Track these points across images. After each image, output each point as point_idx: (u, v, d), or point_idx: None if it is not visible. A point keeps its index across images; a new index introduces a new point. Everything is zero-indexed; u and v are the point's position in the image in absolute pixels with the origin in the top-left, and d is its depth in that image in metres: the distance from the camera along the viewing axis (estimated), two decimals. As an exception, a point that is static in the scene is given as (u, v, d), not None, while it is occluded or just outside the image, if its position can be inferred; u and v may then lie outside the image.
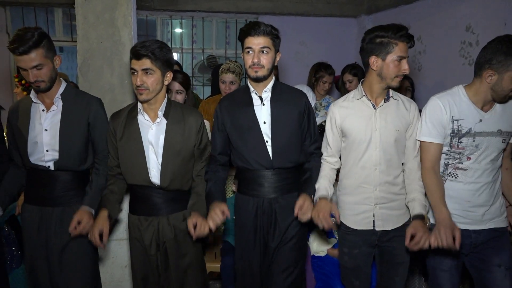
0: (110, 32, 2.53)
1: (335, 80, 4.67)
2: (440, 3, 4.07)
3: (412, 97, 3.16)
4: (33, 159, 2.12)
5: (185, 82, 2.71)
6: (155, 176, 2.07)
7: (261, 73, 2.05)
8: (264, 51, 2.03)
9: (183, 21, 5.73)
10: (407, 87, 3.12)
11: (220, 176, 2.18)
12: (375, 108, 2.07)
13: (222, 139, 2.19)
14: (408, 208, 2.12)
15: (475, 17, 3.63)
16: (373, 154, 2.07)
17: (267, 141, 2.10)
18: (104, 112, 2.26)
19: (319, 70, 3.77)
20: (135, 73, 1.98)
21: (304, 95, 2.20)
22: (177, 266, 2.13)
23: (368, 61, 2.02)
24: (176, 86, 2.65)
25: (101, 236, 2.01)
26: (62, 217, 2.13)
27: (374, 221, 2.10)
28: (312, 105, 3.04)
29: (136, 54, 1.95)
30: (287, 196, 2.13)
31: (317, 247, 2.69)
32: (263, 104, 2.12)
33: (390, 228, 2.11)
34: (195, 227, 1.96)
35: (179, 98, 2.67)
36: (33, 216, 2.16)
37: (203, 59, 5.73)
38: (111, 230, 2.19)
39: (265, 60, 2.03)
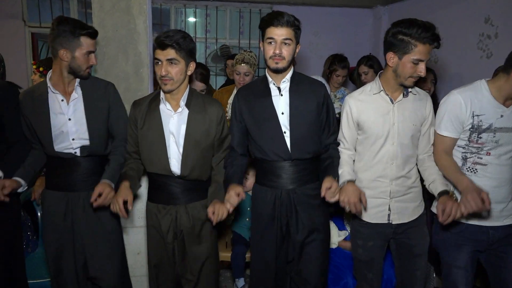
0: (125, 20, 2.53)
1: (350, 72, 4.63)
2: (458, -6, 3.99)
3: (435, 90, 3.14)
4: (59, 147, 2.13)
5: (206, 76, 2.71)
6: (175, 165, 2.08)
7: (282, 64, 2.03)
8: (286, 43, 2.00)
9: (197, 10, 5.71)
10: (432, 80, 3.10)
11: (238, 163, 2.16)
12: (392, 103, 2.05)
13: (240, 130, 2.18)
14: (423, 200, 2.12)
15: (495, 8, 3.55)
16: (390, 149, 2.06)
17: (285, 132, 2.08)
18: (119, 96, 2.29)
19: (333, 63, 3.74)
20: (159, 63, 1.99)
21: (323, 86, 2.18)
22: (194, 256, 2.15)
23: (386, 55, 2.00)
24: (199, 85, 2.66)
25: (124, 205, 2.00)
26: (88, 202, 2.12)
27: (389, 215, 2.10)
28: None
29: (161, 44, 1.95)
30: (305, 187, 2.12)
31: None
32: (281, 95, 2.10)
33: (406, 221, 2.11)
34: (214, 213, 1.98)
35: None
36: (58, 201, 2.17)
37: (216, 48, 5.72)
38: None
39: (286, 51, 2.01)
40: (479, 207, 1.81)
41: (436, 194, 2.01)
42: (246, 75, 3.10)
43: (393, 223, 2.10)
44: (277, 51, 1.99)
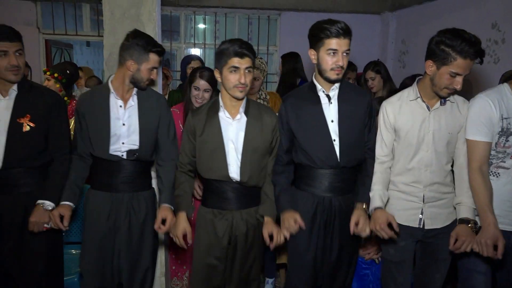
0: (135, 27, 2.59)
1: (358, 77, 4.66)
2: (465, 0, 4.01)
3: None
4: (111, 150, 2.19)
5: (213, 79, 2.75)
6: (234, 171, 2.10)
7: (341, 76, 2.01)
8: (347, 52, 1.98)
9: (206, 17, 5.80)
10: None
11: (287, 180, 2.18)
12: (429, 110, 2.02)
13: (288, 137, 2.16)
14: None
15: (501, 14, 3.56)
16: (425, 156, 2.03)
17: (334, 140, 2.07)
18: (169, 108, 2.36)
19: None
20: (235, 71, 2.00)
21: (368, 94, 2.19)
22: (243, 260, 2.17)
23: (426, 62, 1.95)
24: (205, 85, 2.70)
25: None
26: (131, 203, 2.22)
27: (421, 219, 2.07)
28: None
29: (240, 53, 1.98)
30: (347, 196, 2.12)
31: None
32: (331, 103, 2.08)
33: (439, 227, 2.07)
34: (270, 236, 2.03)
35: (206, 96, 2.70)
36: (103, 201, 2.21)
37: (225, 54, 5.80)
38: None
39: (346, 62, 1.99)
40: (490, 255, 1.81)
41: (457, 217, 2.01)
42: (256, 80, 3.14)
43: (425, 228, 2.07)
44: (340, 63, 1.96)
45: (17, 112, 2.15)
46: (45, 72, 3.56)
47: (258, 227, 2.16)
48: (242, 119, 2.11)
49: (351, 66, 3.77)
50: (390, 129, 2.11)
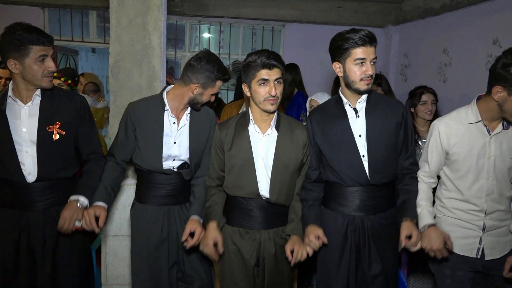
0: (141, 36, 2.64)
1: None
2: (467, 15, 4.05)
3: (436, 110, 3.14)
4: (164, 165, 2.17)
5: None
6: (264, 188, 2.02)
7: (370, 85, 1.94)
8: (374, 62, 1.90)
9: (211, 26, 5.87)
10: (432, 101, 3.03)
11: (315, 197, 2.09)
12: (489, 134, 1.91)
13: (316, 154, 2.08)
14: None
15: (503, 30, 3.60)
16: (485, 184, 1.91)
17: (363, 156, 1.97)
18: None
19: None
20: (264, 83, 1.92)
21: (401, 104, 2.08)
22: (273, 282, 2.07)
23: (492, 88, 1.82)
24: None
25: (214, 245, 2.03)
26: (180, 214, 2.20)
27: (479, 249, 1.95)
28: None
29: (268, 64, 1.90)
30: (380, 215, 2.01)
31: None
32: (358, 116, 1.99)
33: (498, 256, 1.95)
34: (292, 251, 1.94)
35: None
36: (155, 216, 2.18)
37: (228, 64, 5.85)
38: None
39: (374, 71, 1.92)
40: None
41: None
42: None
43: (485, 258, 1.95)
44: (370, 72, 1.89)
45: (45, 120, 2.01)
46: (57, 78, 3.57)
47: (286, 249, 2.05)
48: (273, 134, 2.02)
49: None
50: (441, 152, 1.99)
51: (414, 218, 1.95)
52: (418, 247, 1.87)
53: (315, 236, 1.93)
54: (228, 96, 5.93)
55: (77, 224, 1.99)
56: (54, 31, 5.61)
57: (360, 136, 1.98)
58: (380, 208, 2.02)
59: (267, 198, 2.03)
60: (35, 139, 1.99)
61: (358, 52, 1.87)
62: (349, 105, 2.01)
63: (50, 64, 1.96)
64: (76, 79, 3.71)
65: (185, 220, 2.16)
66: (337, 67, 1.96)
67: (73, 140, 2.10)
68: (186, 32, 5.88)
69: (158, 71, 2.69)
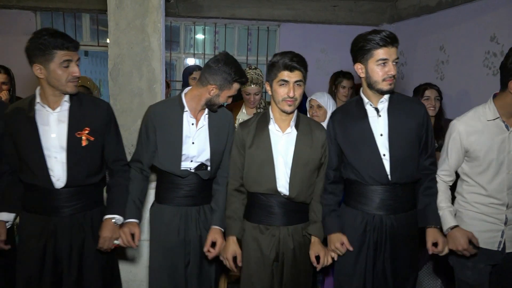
0: (140, 38, 2.61)
1: (357, 88, 4.67)
2: (463, 13, 4.06)
3: (440, 107, 3.14)
4: (182, 166, 2.18)
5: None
6: (283, 186, 2.07)
7: (393, 85, 1.97)
8: (396, 62, 1.94)
9: (206, 27, 5.83)
10: (436, 96, 3.06)
11: (335, 200, 2.14)
12: (508, 129, 1.96)
13: (336, 153, 2.13)
14: None
15: (500, 27, 3.61)
16: (506, 178, 1.96)
17: (384, 155, 2.00)
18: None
19: (337, 77, 3.81)
20: (284, 84, 1.99)
21: (423, 105, 2.11)
22: (292, 279, 2.12)
23: (508, 84, 1.86)
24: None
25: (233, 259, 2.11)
26: (199, 215, 2.22)
27: (500, 242, 1.99)
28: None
29: (290, 66, 1.96)
30: (400, 216, 2.03)
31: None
32: (379, 116, 2.02)
33: None
34: (316, 257, 2.04)
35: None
36: (172, 216, 2.19)
37: (224, 65, 5.82)
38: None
39: (396, 71, 1.95)
40: None
41: None
42: (256, 94, 3.16)
43: (506, 251, 1.99)
44: (393, 72, 1.91)
45: (74, 126, 2.01)
46: None
47: (305, 245, 2.13)
48: (292, 133, 2.09)
49: (346, 74, 3.80)
50: (461, 150, 2.04)
51: (438, 224, 2.01)
52: (446, 251, 1.94)
53: (341, 243, 2.03)
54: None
55: (116, 242, 2.05)
56: (46, 34, 5.54)
57: (381, 135, 2.01)
58: (400, 209, 2.04)
59: (285, 195, 2.08)
60: (65, 145, 1.99)
61: (380, 53, 1.90)
62: (370, 104, 2.04)
63: (74, 69, 1.94)
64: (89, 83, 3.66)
65: (202, 223, 2.21)
66: (359, 68, 2.00)
67: (101, 146, 2.11)
68: (180, 34, 5.84)
69: (158, 74, 2.66)
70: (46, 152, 1.97)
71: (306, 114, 3.80)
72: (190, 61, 5.98)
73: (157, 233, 2.22)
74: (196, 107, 2.17)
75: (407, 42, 5.07)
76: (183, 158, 2.16)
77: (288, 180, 2.06)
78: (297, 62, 1.97)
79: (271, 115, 2.10)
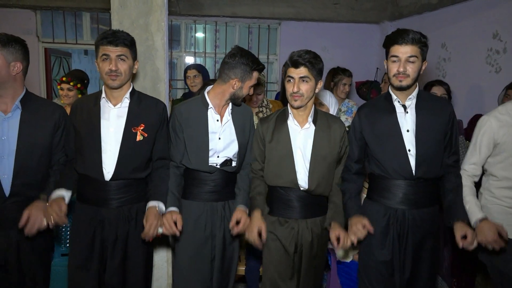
0: (144, 37, 2.59)
1: (356, 86, 4.67)
2: (465, 10, 4.06)
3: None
4: (208, 161, 2.23)
5: None
6: (302, 179, 2.14)
7: (406, 82, 2.00)
8: (411, 60, 1.97)
9: (206, 26, 5.82)
10: (443, 94, 3.06)
11: (356, 188, 2.19)
12: None
13: (359, 147, 2.18)
14: None
15: (503, 24, 3.61)
16: None
17: (409, 150, 2.04)
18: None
19: (336, 74, 3.78)
20: (291, 80, 2.06)
21: (450, 104, 2.16)
22: (308, 268, 2.19)
23: None
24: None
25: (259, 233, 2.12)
26: (224, 211, 2.26)
27: None
28: (335, 111, 3.05)
29: (295, 62, 2.03)
30: (422, 210, 2.08)
31: (344, 253, 2.70)
32: (407, 112, 2.07)
33: None
34: (337, 238, 2.04)
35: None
36: (199, 211, 2.24)
37: (225, 63, 5.80)
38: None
39: (411, 69, 1.98)
40: None
41: None
42: (259, 94, 3.17)
43: None
44: (401, 69, 1.97)
45: (131, 121, 2.12)
46: (66, 82, 3.45)
47: (322, 237, 2.19)
48: (310, 128, 2.15)
49: (346, 71, 3.78)
50: (490, 144, 2.08)
51: (465, 218, 2.03)
52: (475, 245, 1.94)
53: (362, 225, 2.03)
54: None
55: (159, 230, 2.08)
56: (47, 33, 5.52)
57: (408, 131, 2.06)
58: (423, 203, 2.08)
59: (305, 188, 2.14)
60: (120, 139, 2.11)
61: (393, 50, 2.00)
62: (398, 101, 2.09)
63: (110, 64, 2.03)
64: (85, 81, 3.62)
65: (227, 218, 2.25)
66: (385, 66, 2.09)
67: (152, 142, 2.20)
68: (181, 32, 5.82)
69: (162, 73, 2.64)
70: (102, 144, 2.09)
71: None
72: (190, 60, 5.97)
73: (185, 228, 2.22)
74: (220, 103, 2.23)
75: (409, 40, 5.06)
76: (210, 153, 2.21)
77: (307, 173, 2.12)
78: (302, 58, 2.02)
79: (290, 111, 2.17)
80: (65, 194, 2.08)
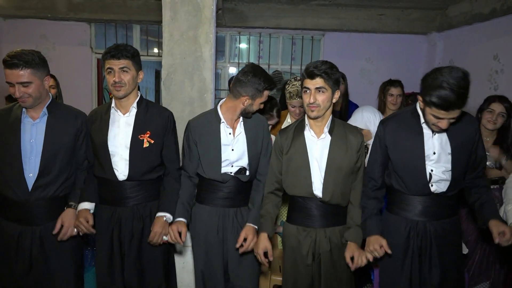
0: (192, 49, 2.69)
1: (406, 95, 4.56)
2: (520, 21, 3.90)
3: (509, 123, 2.95)
4: (222, 171, 2.32)
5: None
6: (318, 189, 2.15)
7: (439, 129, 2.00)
8: (451, 122, 1.96)
9: (250, 37, 5.90)
10: (501, 112, 2.90)
11: (376, 204, 2.18)
12: None
13: (382, 160, 2.18)
14: None
15: (501, 48, 3.48)
16: None
17: (432, 170, 2.05)
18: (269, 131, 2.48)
19: (386, 85, 3.72)
20: (307, 91, 2.07)
21: (475, 120, 2.15)
22: (329, 279, 2.18)
23: None
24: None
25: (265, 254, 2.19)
26: (235, 217, 2.35)
27: None
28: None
29: (310, 74, 2.04)
30: (443, 221, 2.09)
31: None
32: (434, 134, 2.06)
33: None
34: (351, 258, 2.07)
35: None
36: (211, 216, 2.33)
37: (268, 74, 5.85)
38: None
39: (446, 125, 1.96)
40: None
41: None
42: (301, 107, 3.17)
43: None
44: (442, 127, 1.94)
45: (138, 129, 2.28)
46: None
47: (342, 246, 2.18)
48: (326, 138, 2.15)
49: (394, 82, 3.66)
50: None
51: (499, 218, 2.04)
52: (510, 243, 1.93)
53: (379, 245, 2.02)
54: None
55: (164, 238, 2.25)
56: (99, 45, 5.80)
57: (434, 153, 2.05)
58: (444, 215, 2.08)
59: (320, 198, 2.15)
60: (128, 145, 2.26)
61: (436, 111, 1.89)
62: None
63: (114, 77, 2.18)
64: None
65: (239, 224, 2.33)
66: (420, 99, 2.00)
67: (159, 148, 2.34)
68: (226, 43, 5.94)
69: (209, 83, 2.73)
70: (112, 149, 2.25)
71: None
72: (234, 70, 6.07)
73: (198, 231, 2.36)
74: (232, 118, 2.31)
75: (458, 51, 4.92)
76: (224, 164, 2.30)
77: (322, 183, 2.13)
78: (318, 69, 2.02)
79: (307, 122, 2.19)
80: (89, 206, 2.29)
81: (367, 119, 3.01)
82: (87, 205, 2.28)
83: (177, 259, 2.81)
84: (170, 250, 2.48)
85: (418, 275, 2.08)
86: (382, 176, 2.19)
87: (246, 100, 2.24)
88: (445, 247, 2.05)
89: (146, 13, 5.26)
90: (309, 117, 2.13)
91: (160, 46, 5.84)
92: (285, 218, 2.40)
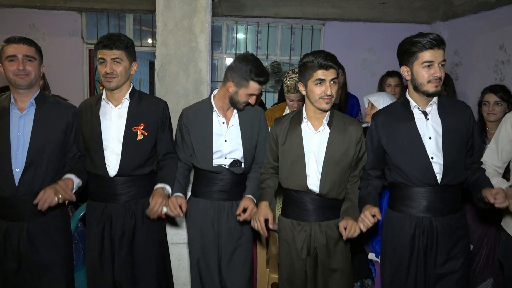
0: (187, 39, 2.56)
1: (404, 88, 4.46)
2: (529, 9, 3.76)
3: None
4: (214, 163, 2.29)
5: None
6: (313, 184, 2.11)
7: (440, 87, 1.96)
8: (443, 64, 1.94)
9: (248, 26, 5.74)
10: (496, 101, 2.85)
11: (373, 184, 2.15)
12: None
13: (375, 155, 2.14)
14: None
15: (508, 38, 3.35)
16: None
17: (432, 158, 2.00)
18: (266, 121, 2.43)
19: (384, 77, 3.71)
20: (321, 83, 2.01)
21: (468, 107, 2.10)
22: (324, 273, 2.15)
23: None
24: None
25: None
26: (230, 210, 2.31)
27: None
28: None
29: (325, 65, 1.99)
30: (449, 217, 2.03)
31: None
32: (427, 119, 2.03)
33: None
34: (345, 228, 1.99)
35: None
36: (207, 209, 2.31)
37: (267, 65, 5.70)
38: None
39: (443, 73, 1.95)
40: None
41: None
42: (300, 100, 3.06)
43: None
44: (438, 74, 1.92)
45: (131, 121, 2.20)
46: None
47: (339, 241, 2.14)
48: (325, 131, 2.11)
49: (391, 73, 3.67)
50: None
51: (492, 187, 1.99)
52: (506, 203, 1.86)
53: (371, 213, 1.94)
54: (266, 98, 5.77)
55: (164, 209, 2.14)
56: (91, 35, 5.62)
57: (430, 138, 2.01)
58: (449, 210, 2.03)
59: (316, 193, 2.12)
60: (121, 138, 2.19)
61: (426, 55, 1.91)
62: (418, 108, 2.04)
63: (106, 67, 2.10)
64: None
65: (233, 217, 2.28)
66: (404, 71, 2.01)
67: (153, 140, 2.27)
68: (222, 33, 5.78)
69: (204, 74, 2.61)
70: (104, 143, 2.18)
71: (359, 114, 3.67)
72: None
73: (194, 225, 2.34)
74: (224, 106, 2.28)
75: (463, 41, 4.78)
76: (217, 155, 2.27)
77: (319, 178, 2.09)
78: (331, 60, 2.00)
79: (304, 114, 2.13)
80: (74, 178, 2.14)
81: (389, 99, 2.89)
82: (72, 176, 2.14)
83: (173, 256, 2.71)
84: (165, 247, 2.42)
85: (423, 274, 2.03)
86: (377, 169, 2.16)
87: (230, 87, 2.20)
88: (452, 242, 2.01)
89: (139, 2, 5.10)
90: (322, 109, 2.06)
91: (154, 36, 5.66)
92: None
